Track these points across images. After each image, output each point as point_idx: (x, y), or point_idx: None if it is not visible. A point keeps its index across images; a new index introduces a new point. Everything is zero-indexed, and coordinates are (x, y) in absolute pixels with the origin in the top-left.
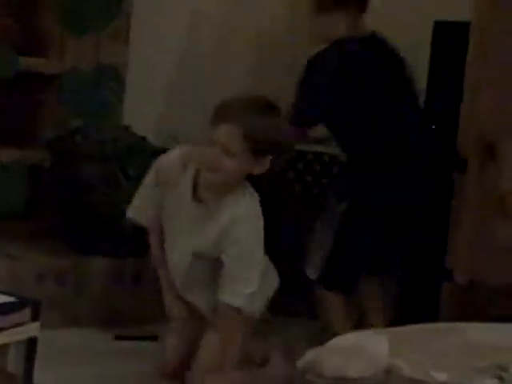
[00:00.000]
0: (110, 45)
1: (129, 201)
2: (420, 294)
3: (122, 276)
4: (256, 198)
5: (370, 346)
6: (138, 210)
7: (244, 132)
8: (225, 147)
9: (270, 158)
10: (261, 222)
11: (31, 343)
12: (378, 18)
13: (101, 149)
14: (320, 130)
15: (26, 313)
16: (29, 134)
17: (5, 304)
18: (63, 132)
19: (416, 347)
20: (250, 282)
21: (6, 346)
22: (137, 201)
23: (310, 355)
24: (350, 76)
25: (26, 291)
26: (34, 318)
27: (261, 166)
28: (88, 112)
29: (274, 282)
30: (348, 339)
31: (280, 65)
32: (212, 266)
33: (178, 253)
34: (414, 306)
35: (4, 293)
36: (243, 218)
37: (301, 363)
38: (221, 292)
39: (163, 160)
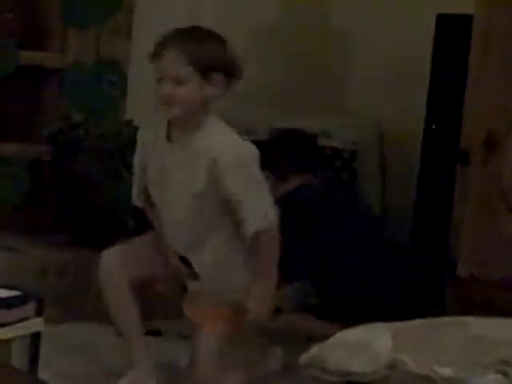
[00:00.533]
0: (111, 39)
1: (131, 194)
2: (424, 289)
3: None
4: (229, 128)
5: (373, 340)
6: (136, 194)
7: (187, 55)
8: (172, 77)
9: (222, 77)
10: (242, 145)
11: (35, 338)
12: (380, 12)
13: (103, 143)
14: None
15: (30, 307)
16: (30, 127)
17: (9, 298)
18: (65, 126)
19: (420, 342)
20: (263, 199)
21: (10, 340)
22: (134, 187)
23: (314, 350)
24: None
25: (28, 285)
26: (38, 312)
27: (214, 87)
28: (90, 106)
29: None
30: (351, 334)
31: (281, 54)
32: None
33: (178, 208)
34: (417, 300)
35: (8, 287)
36: (224, 145)
37: (304, 358)
38: (245, 226)
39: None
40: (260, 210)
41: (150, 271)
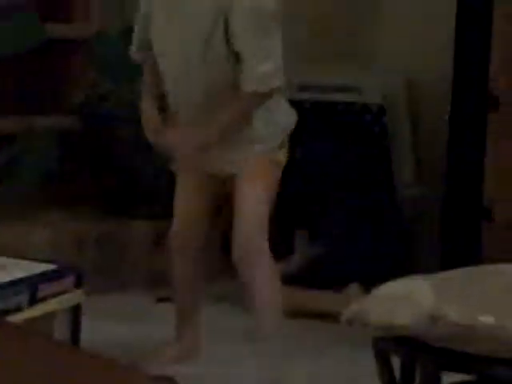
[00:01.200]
0: (135, 5)
1: (165, 163)
2: (460, 237)
3: (163, 238)
4: None
5: (415, 292)
6: (137, 47)
7: None
8: None
9: None
10: None
11: (76, 310)
12: None
13: (134, 112)
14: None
15: (70, 280)
16: (59, 99)
17: (48, 272)
18: (92, 96)
19: (460, 292)
20: (268, 57)
21: (52, 313)
22: (134, 39)
23: (355, 305)
24: None
25: (67, 258)
26: (78, 285)
27: None
28: (119, 74)
29: (291, 116)
30: (393, 287)
31: (307, 7)
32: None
33: (183, 56)
34: (455, 249)
35: (47, 261)
36: None
37: (347, 314)
38: (244, 83)
39: None
40: (261, 69)
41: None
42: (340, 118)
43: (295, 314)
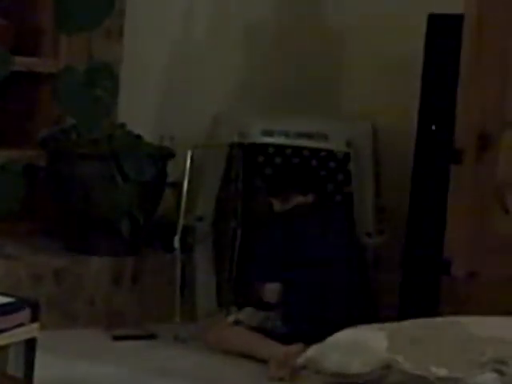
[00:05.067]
0: (103, 43)
1: (126, 200)
2: (419, 289)
3: (121, 275)
4: None
5: (369, 341)
6: None
7: None
8: None
9: None
10: None
11: (31, 344)
12: (371, 11)
13: (96, 147)
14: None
15: (26, 314)
16: (24, 133)
17: (4, 305)
18: (58, 130)
19: (415, 342)
20: None
21: (6, 347)
22: None
23: (311, 351)
24: None
25: (23, 291)
26: (34, 318)
27: None
28: (82, 111)
29: None
30: (348, 335)
31: (274, 57)
32: None
33: None
34: (413, 300)
35: (3, 294)
36: None
37: (301, 359)
38: None
39: None
40: None
41: None
42: (305, 163)
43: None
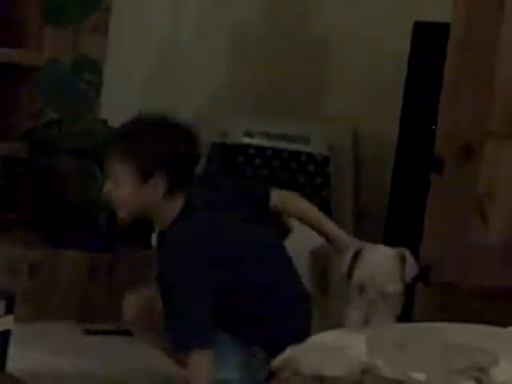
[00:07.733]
0: (88, 37)
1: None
2: None
3: (96, 270)
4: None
5: (347, 345)
6: None
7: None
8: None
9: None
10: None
11: (5, 336)
12: (357, 18)
13: (76, 142)
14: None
15: (1, 305)
16: (5, 125)
17: None
18: (40, 124)
19: (394, 347)
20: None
21: None
22: None
23: (288, 353)
24: None
25: None
26: (8, 310)
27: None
28: (64, 105)
29: None
30: (326, 338)
31: (259, 55)
32: None
33: None
34: None
35: None
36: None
37: (278, 361)
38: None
39: None
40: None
41: None
42: (284, 165)
43: None
